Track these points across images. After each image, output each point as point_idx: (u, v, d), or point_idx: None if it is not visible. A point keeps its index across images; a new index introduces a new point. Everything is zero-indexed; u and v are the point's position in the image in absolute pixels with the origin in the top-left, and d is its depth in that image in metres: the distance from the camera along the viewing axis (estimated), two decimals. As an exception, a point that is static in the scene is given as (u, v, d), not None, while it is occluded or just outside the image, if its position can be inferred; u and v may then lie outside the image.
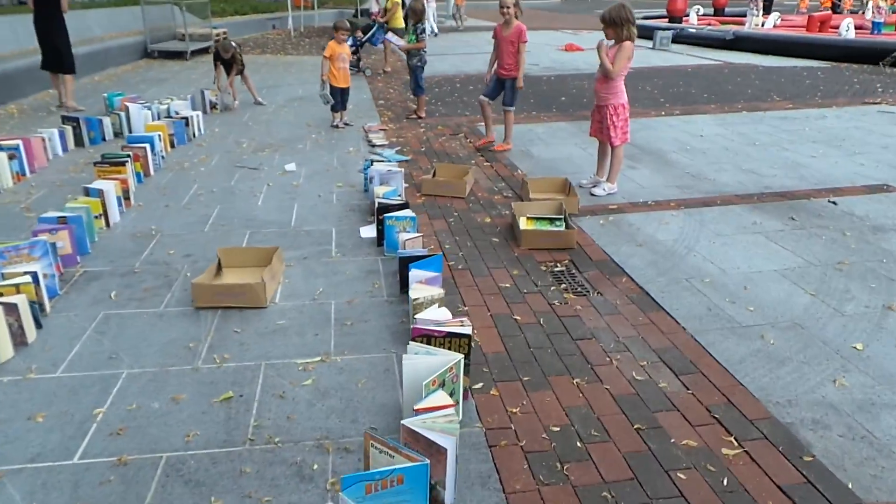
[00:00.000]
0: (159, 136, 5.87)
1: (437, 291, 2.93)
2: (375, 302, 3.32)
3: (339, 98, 7.26)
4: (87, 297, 3.31)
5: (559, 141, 6.80)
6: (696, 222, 4.50)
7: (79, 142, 6.26)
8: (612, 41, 4.81)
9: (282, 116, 7.99)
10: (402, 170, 4.73)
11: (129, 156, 4.99)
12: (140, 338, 2.94)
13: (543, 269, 3.81)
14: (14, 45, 9.70)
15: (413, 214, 3.86)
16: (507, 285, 3.58)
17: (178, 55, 13.46)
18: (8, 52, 8.95)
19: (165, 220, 4.43)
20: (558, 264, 3.87)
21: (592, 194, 5.09)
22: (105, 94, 7.68)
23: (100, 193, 4.17)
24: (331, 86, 7.16)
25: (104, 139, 6.45)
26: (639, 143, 6.69)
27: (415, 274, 3.11)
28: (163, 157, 5.93)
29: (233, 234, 4.20)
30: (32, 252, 3.18)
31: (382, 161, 5.39)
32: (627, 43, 4.69)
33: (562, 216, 4.29)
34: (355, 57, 11.46)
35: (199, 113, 7.07)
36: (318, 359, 2.80)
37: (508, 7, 5.91)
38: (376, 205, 4.07)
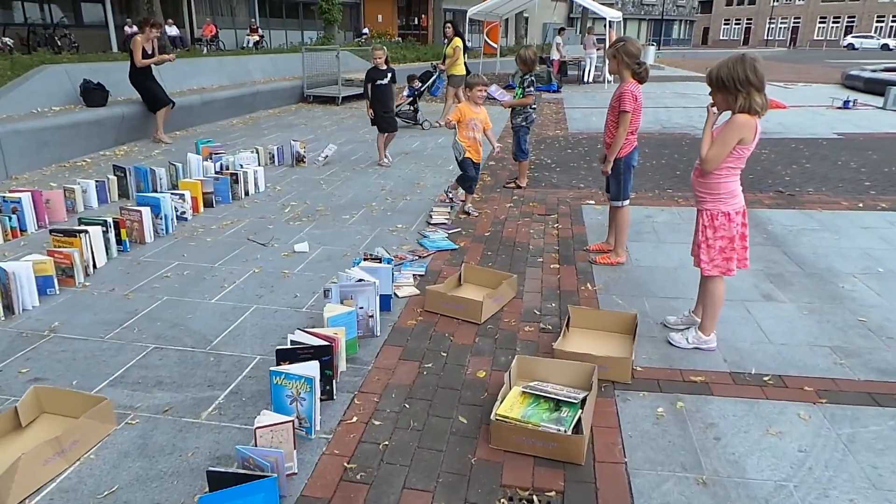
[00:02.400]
0: (179, 196, 5.18)
1: None
2: (162, 538, 1.99)
3: (475, 174, 5.49)
4: None
5: (681, 238, 4.88)
6: (841, 440, 2.48)
7: (124, 193, 5.84)
8: (728, 111, 2.99)
9: (367, 176, 7.04)
10: (377, 282, 3.34)
11: (104, 222, 4.29)
12: None
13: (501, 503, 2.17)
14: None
15: (312, 374, 2.46)
16: (405, 540, 2.01)
17: (331, 100, 13.51)
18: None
19: (84, 313, 3.54)
20: (534, 498, 2.20)
21: (670, 342, 3.24)
22: (196, 141, 7.42)
23: (5, 275, 3.41)
24: (471, 160, 5.37)
25: (155, 191, 5.98)
26: (800, 253, 4.54)
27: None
28: (186, 218, 5.23)
29: (128, 349, 3.15)
30: None
31: (385, 255, 4.05)
32: (741, 117, 2.85)
33: (578, 400, 2.58)
34: (412, 108, 10.45)
35: (260, 168, 6.37)
36: None
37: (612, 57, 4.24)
38: (289, 341, 2.75)
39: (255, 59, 13.43)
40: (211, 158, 6.48)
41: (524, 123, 6.37)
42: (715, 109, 2.99)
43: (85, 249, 3.99)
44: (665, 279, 4.10)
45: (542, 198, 6.21)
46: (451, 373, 3.01)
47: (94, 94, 7.91)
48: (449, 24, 10.64)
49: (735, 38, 68.48)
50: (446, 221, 5.32)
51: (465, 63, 10.81)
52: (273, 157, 7.45)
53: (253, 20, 27.52)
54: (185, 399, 2.74)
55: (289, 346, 2.69)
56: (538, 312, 3.67)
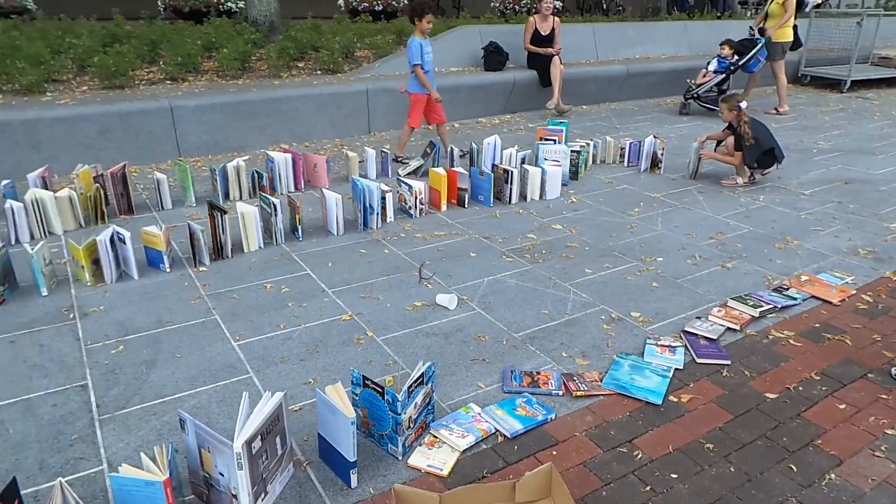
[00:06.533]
0: (408, 186, 4.23)
1: None
2: None
3: None
4: None
5: None
6: None
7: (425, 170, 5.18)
8: None
9: (722, 207, 4.60)
10: (238, 448, 1.71)
11: (270, 203, 3.73)
12: None
13: None
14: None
15: None
16: None
17: (835, 84, 9.89)
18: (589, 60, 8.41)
19: (115, 311, 3.09)
20: None
21: None
22: (548, 120, 6.23)
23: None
24: None
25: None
26: None
27: None
28: (410, 214, 4.29)
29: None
30: None
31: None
32: None
33: None
34: (718, 90, 7.35)
35: (558, 167, 4.73)
36: None
37: None
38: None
39: (744, 24, 10.78)
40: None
41: None
42: None
43: (220, 231, 3.54)
44: None
45: None
46: None
47: (491, 58, 7.49)
48: None
49: None
50: (714, 337, 2.83)
51: (795, 27, 7.43)
52: (624, 154, 5.64)
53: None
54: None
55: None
56: None
